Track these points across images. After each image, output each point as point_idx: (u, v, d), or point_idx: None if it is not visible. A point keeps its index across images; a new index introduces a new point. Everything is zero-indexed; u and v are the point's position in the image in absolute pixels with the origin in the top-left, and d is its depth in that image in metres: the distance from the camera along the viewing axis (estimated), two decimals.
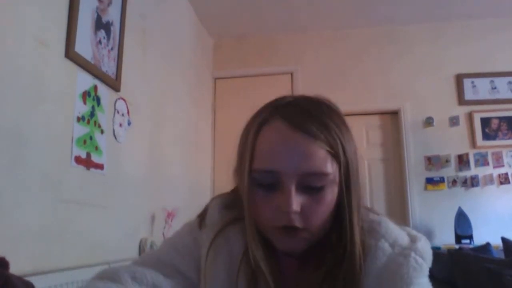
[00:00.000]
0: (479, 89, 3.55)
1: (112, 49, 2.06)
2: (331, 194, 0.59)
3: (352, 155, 0.61)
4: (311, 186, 0.58)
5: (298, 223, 0.58)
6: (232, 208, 0.67)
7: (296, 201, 0.57)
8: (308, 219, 0.58)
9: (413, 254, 0.57)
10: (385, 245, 0.59)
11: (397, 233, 0.61)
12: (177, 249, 0.66)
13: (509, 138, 3.43)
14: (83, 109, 1.79)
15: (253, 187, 0.60)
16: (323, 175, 0.57)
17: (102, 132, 1.93)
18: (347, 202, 0.60)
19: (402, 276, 0.55)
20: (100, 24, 1.96)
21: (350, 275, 0.58)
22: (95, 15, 1.92)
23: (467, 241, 3.11)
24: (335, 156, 0.59)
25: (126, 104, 2.20)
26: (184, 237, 0.68)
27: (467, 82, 3.56)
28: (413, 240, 0.60)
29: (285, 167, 0.57)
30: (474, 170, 3.41)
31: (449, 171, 3.44)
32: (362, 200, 0.64)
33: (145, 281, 0.60)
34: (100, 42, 1.95)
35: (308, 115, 0.59)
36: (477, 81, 3.56)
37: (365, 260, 0.58)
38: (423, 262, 0.57)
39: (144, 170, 2.42)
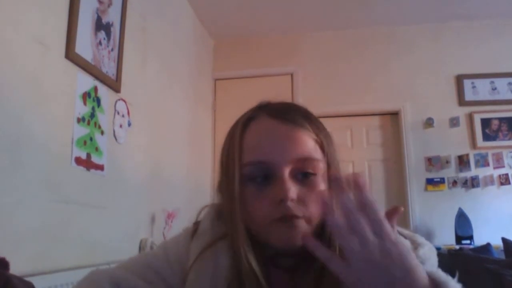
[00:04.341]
0: (479, 90, 3.55)
1: (112, 50, 2.07)
2: (324, 184, 0.58)
3: (333, 153, 0.61)
4: (304, 172, 0.57)
5: (297, 211, 0.55)
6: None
7: (292, 188, 0.55)
8: (307, 208, 0.56)
9: None
10: None
11: None
12: (168, 255, 0.66)
13: (509, 139, 3.42)
14: (83, 110, 1.79)
15: (244, 185, 0.58)
16: (314, 160, 0.57)
17: (102, 133, 1.93)
18: None
19: None
20: (100, 25, 1.97)
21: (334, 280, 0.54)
22: (95, 16, 1.92)
23: (468, 241, 3.10)
24: (321, 145, 0.59)
25: (126, 105, 2.20)
26: (178, 244, 0.68)
27: (467, 83, 3.56)
28: (415, 247, 0.57)
29: (276, 155, 0.57)
30: (474, 171, 3.41)
31: (450, 172, 3.44)
32: None
33: None
34: (100, 43, 1.96)
35: (290, 109, 0.62)
36: (477, 82, 3.56)
37: None
38: None
39: (144, 171, 2.43)
